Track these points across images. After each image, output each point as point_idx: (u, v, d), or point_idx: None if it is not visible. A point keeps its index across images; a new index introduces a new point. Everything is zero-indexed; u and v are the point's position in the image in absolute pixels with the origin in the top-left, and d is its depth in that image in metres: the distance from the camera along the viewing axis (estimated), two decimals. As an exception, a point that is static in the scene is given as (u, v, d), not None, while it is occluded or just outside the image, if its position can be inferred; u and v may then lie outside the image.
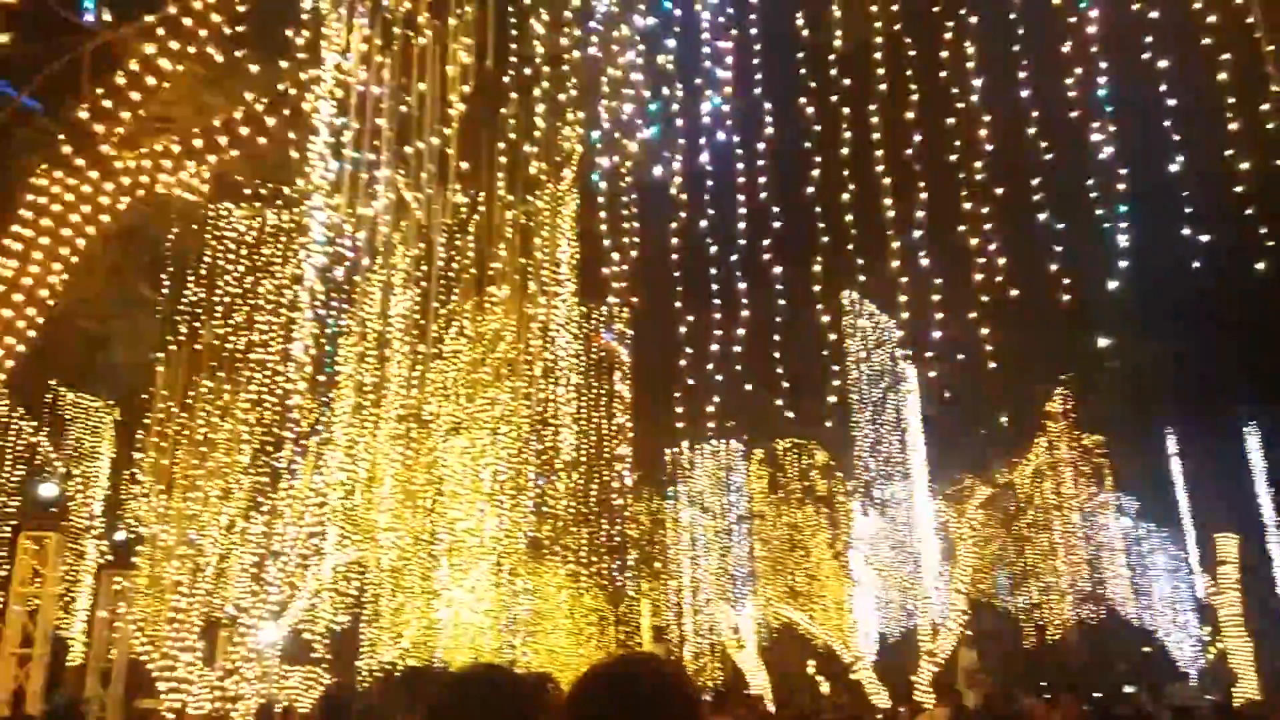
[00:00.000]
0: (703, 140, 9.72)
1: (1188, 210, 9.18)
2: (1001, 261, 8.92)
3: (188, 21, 7.56)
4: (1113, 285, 9.61)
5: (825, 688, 25.42)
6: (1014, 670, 25.04)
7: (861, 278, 10.22)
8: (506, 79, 9.73)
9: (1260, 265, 9.00)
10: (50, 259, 7.79)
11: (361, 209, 8.58)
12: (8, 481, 17.83)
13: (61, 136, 7.95)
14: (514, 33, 9.28)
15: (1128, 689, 19.84)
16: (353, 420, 14.33)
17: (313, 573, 15.79)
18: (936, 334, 9.37)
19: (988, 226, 8.89)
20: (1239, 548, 25.14)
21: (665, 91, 9.14)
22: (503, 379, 15.58)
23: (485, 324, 14.86)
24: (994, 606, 24.93)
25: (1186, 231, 8.98)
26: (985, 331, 9.20)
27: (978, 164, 8.82)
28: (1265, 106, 8.14)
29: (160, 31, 7.64)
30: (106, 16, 7.55)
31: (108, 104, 7.92)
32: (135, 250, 12.02)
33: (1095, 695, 18.79)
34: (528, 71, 9.36)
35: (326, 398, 13.98)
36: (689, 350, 12.16)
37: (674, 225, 10.71)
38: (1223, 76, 8.25)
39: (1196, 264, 9.51)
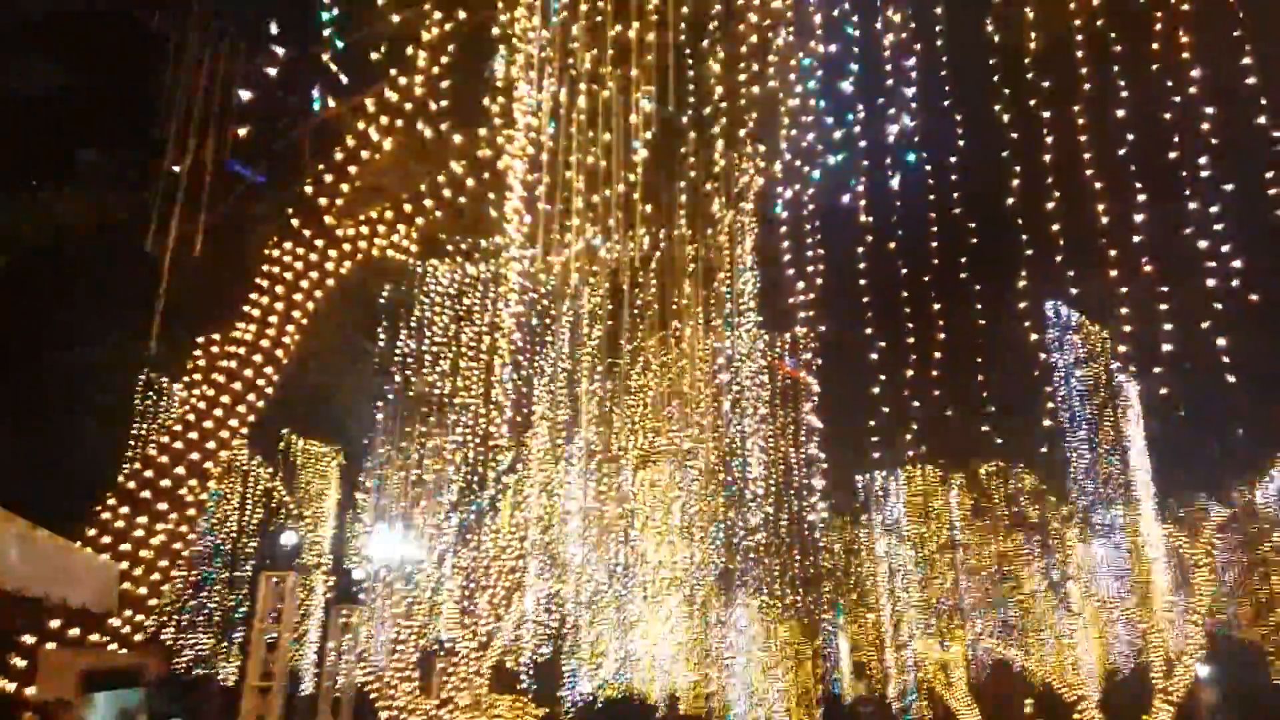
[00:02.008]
0: (889, 160, 9.46)
1: None
2: (1237, 264, 8.09)
3: (398, 99, 8.15)
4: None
5: (1045, 728, 23.64)
6: (1261, 708, 22.39)
7: (1074, 290, 9.56)
8: (685, 119, 9.86)
9: None
10: (284, 321, 8.54)
11: (553, 257, 8.90)
12: (249, 524, 19.59)
13: (289, 210, 8.74)
14: (691, 74, 9.40)
15: None
16: (548, 457, 14.82)
17: (516, 604, 16.37)
18: (1166, 346, 8.60)
19: (1219, 226, 8.10)
20: None
21: (850, 116, 8.96)
22: (689, 412, 15.67)
23: (671, 358, 15.03)
24: (1236, 638, 22.46)
25: None
26: (1222, 341, 8.35)
27: (1202, 160, 8.07)
28: None
29: (372, 109, 8.27)
30: (330, 101, 8.27)
31: (328, 178, 8.65)
32: (354, 307, 13.00)
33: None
34: (706, 111, 9.44)
35: (523, 437, 14.54)
36: (882, 376, 11.78)
37: (861, 249, 10.45)
38: None
39: None
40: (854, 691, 24.12)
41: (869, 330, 11.29)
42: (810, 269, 11.10)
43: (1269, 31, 8.09)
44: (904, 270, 10.62)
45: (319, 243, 8.60)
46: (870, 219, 10.02)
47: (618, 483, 16.78)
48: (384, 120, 8.30)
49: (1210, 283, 8.09)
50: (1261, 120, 8.19)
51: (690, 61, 9.56)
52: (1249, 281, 8.18)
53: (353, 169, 8.53)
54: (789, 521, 19.12)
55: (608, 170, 8.25)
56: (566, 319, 13.21)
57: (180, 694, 16.96)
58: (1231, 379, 8.36)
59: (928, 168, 9.74)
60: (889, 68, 8.84)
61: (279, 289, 8.59)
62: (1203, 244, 7.98)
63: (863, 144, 9.41)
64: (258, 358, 8.38)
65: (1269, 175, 8.31)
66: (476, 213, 9.48)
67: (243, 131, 8.57)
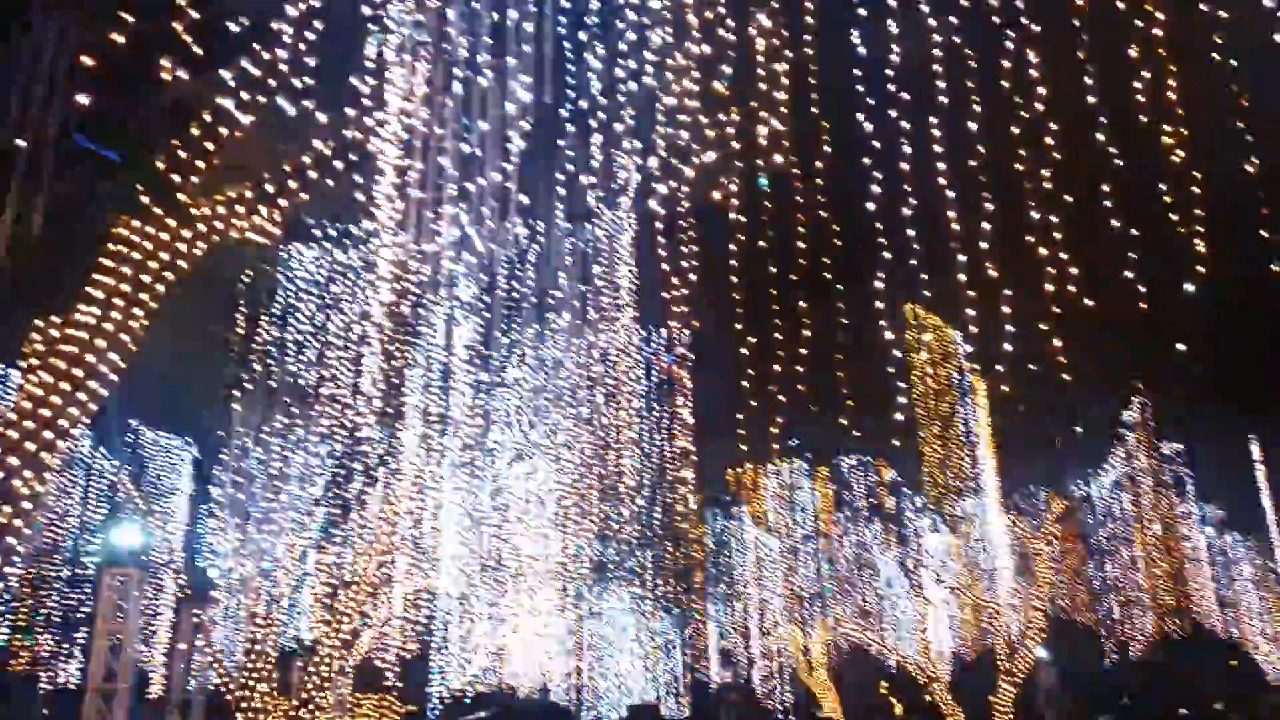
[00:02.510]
0: (760, 161, 9.69)
1: (1264, 212, 8.88)
2: (1074, 271, 8.70)
3: (259, 74, 7.79)
4: (1189, 288, 9.31)
5: (899, 709, 24.84)
6: (1097, 689, 24.22)
7: (926, 292, 10.05)
8: (564, 112, 9.84)
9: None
10: (131, 304, 8.04)
11: (426, 245, 8.72)
12: (91, 520, 18.43)
13: (140, 187, 8.22)
14: (571, 68, 9.39)
15: (1217, 705, 19.04)
16: (419, 450, 14.53)
17: (383, 601, 15.98)
18: (1007, 346, 9.16)
19: (1057, 236, 8.69)
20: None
21: (721, 116, 9.14)
22: (564, 405, 15.67)
23: (547, 351, 14.99)
24: (1074, 623, 24.18)
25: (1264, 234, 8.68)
26: (1058, 343, 8.96)
27: (1045, 173, 8.63)
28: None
29: (234, 84, 7.88)
30: (182, 73, 7.80)
31: (184, 155, 8.18)
32: (212, 292, 12.38)
33: (1182, 712, 18.06)
34: (584, 104, 9.44)
35: (393, 429, 14.20)
36: (751, 372, 12.09)
37: (733, 248, 10.68)
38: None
39: (1275, 267, 9.17)
40: (721, 679, 24.71)
41: (739, 327, 11.56)
42: (684, 265, 11.27)
43: (1108, 55, 8.73)
44: (773, 270, 10.92)
45: (171, 222, 8.13)
46: (743, 218, 10.25)
47: (492, 475, 16.63)
48: (244, 95, 7.92)
49: (1048, 288, 8.66)
50: (1100, 137, 8.83)
51: (570, 55, 9.55)
52: (1083, 289, 8.79)
53: (210, 146, 8.10)
54: (661, 514, 19.42)
55: (483, 159, 8.16)
56: (441, 309, 12.99)
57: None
58: (1067, 378, 8.96)
59: (796, 171, 10.04)
60: (761, 73, 9.07)
61: (126, 269, 8.08)
62: (1043, 252, 8.53)
63: (735, 145, 9.62)
64: (101, 342, 7.87)
65: (1105, 189, 8.96)
66: (345, 196, 9.17)
67: (85, 100, 8.00)
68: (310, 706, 14.83)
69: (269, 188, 8.91)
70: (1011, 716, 19.18)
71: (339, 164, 8.52)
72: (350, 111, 8.30)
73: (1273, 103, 8.39)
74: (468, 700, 19.95)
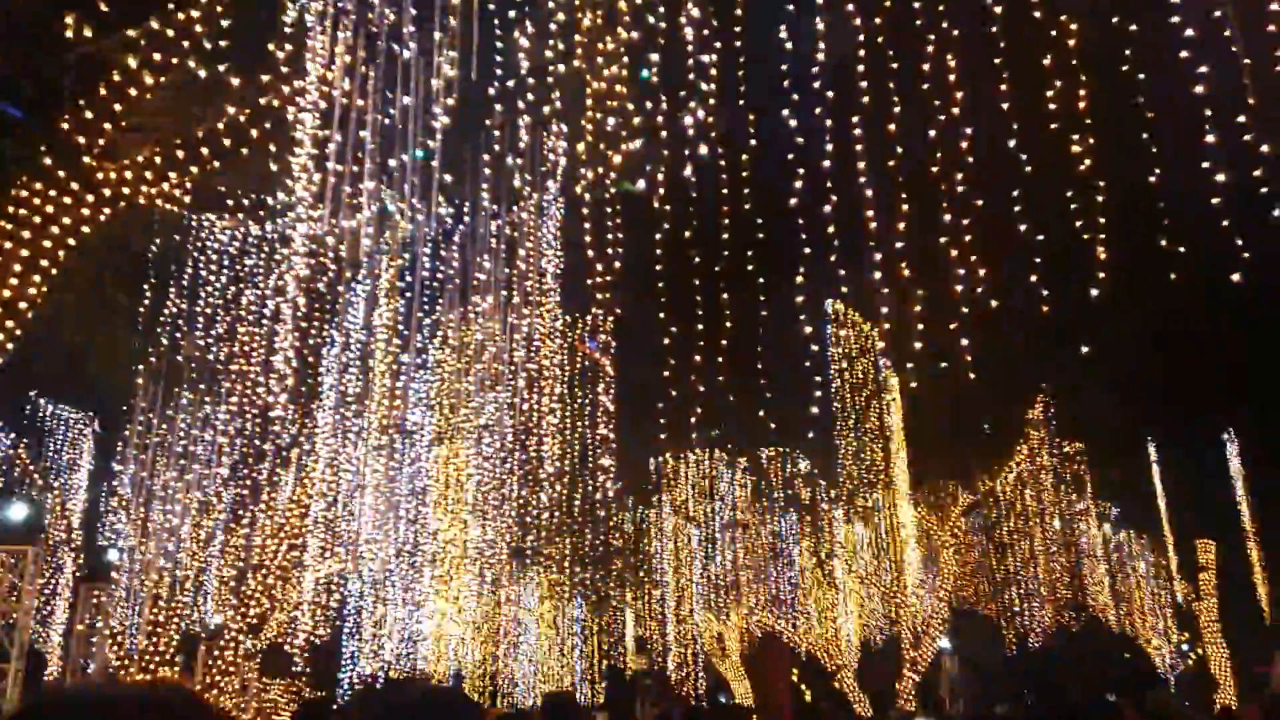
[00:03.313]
0: (687, 152, 9.76)
1: (1165, 222, 9.31)
2: (981, 272, 9.00)
3: (171, 34, 7.53)
4: (1094, 293, 9.71)
5: (808, 695, 25.43)
6: (995, 676, 25.16)
7: (844, 289, 10.28)
8: (491, 90, 9.73)
9: (1236, 277, 9.12)
10: (30, 271, 7.72)
11: (344, 221, 8.54)
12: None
13: (43, 148, 7.88)
14: (499, 44, 9.30)
15: (1110, 697, 19.95)
16: (335, 432, 14.25)
17: (293, 586, 15.67)
18: (918, 344, 9.44)
19: (968, 238, 8.97)
20: (1217, 554, 25.41)
21: (649, 105, 9.17)
22: (486, 389, 15.55)
23: (469, 334, 14.83)
24: (976, 614, 25.03)
25: (1164, 243, 9.11)
26: (965, 342, 9.27)
27: (959, 175, 8.90)
28: (1242, 119, 8.27)
29: (143, 44, 7.60)
30: (89, 31, 7.49)
31: (90, 115, 7.87)
32: (116, 262, 11.91)
33: (1077, 702, 18.84)
34: (511, 84, 9.36)
35: (308, 409, 13.90)
36: (672, 361, 12.20)
37: (658, 236, 10.75)
38: (1199, 90, 8.38)
39: (1174, 275, 9.64)
40: (636, 665, 24.92)
41: (661, 315, 11.64)
42: (610, 252, 11.28)
43: (1023, 63, 9.03)
44: (696, 260, 11.03)
45: (74, 186, 7.82)
46: (668, 207, 10.32)
47: (411, 458, 16.41)
48: (155, 56, 7.64)
49: (958, 288, 8.93)
50: (1011, 144, 9.14)
51: (499, 32, 9.45)
52: (991, 289, 9.10)
53: (118, 107, 7.80)
54: (581, 500, 19.43)
55: (404, 135, 8.02)
56: (361, 287, 12.73)
57: None
58: (973, 376, 9.27)
59: (723, 162, 10.14)
60: (690, 61, 9.12)
61: (25, 234, 7.75)
62: (954, 253, 8.80)
63: (663, 134, 9.66)
64: (-4, 309, 7.54)
65: (1014, 194, 9.29)
66: (260, 166, 8.93)
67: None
68: (214, 691, 14.48)
69: (179, 154, 8.63)
70: (914, 702, 19.80)
71: (254, 132, 8.30)
72: (266, 78, 8.08)
73: (1174, 117, 8.80)
74: (380, 685, 19.70)
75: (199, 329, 12.53)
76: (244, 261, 11.83)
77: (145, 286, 12.21)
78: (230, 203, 10.59)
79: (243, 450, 13.34)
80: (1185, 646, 28.23)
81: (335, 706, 15.08)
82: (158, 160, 8.30)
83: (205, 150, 8.45)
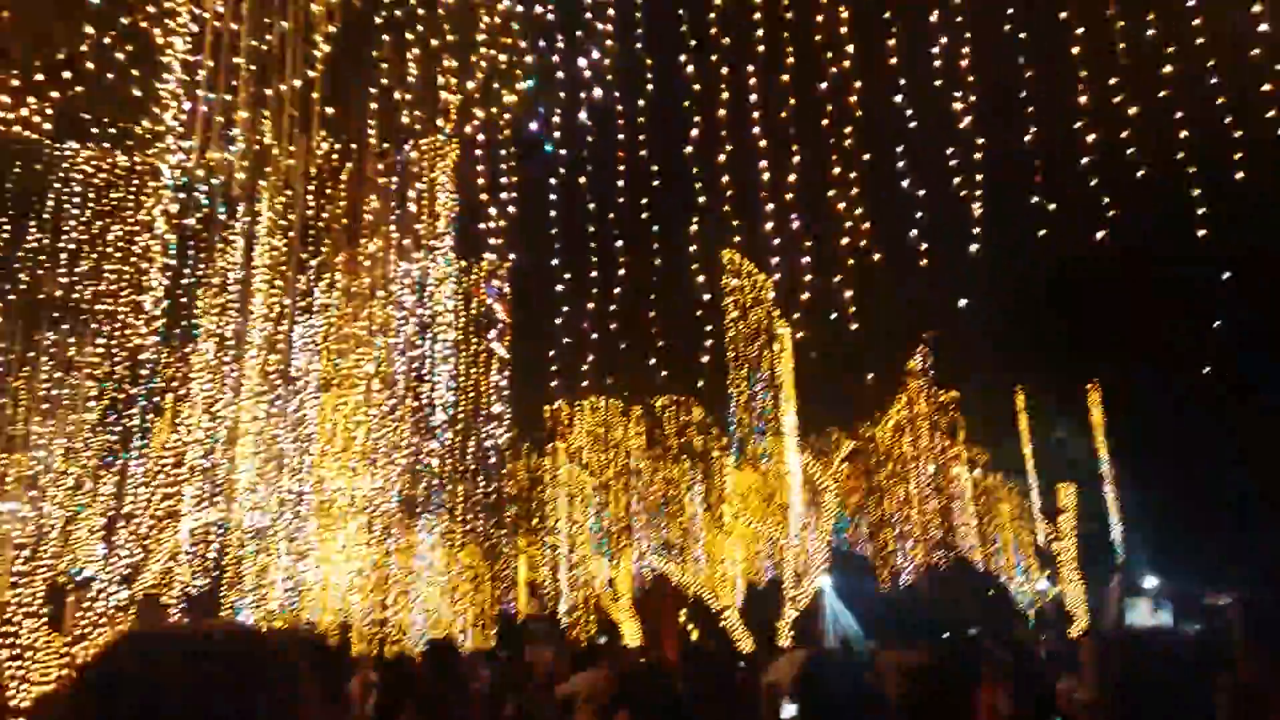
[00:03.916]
0: (582, 95, 9.63)
1: (1037, 180, 9.74)
2: (865, 226, 9.25)
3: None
4: (973, 248, 10.10)
5: (695, 635, 26.23)
6: (871, 614, 26.48)
7: (737, 238, 10.41)
8: (379, 19, 9.35)
9: (1100, 235, 9.64)
10: None
11: (216, 154, 8.12)
12: None
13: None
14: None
15: (972, 631, 21.32)
16: (212, 376, 13.70)
17: (168, 535, 15.13)
18: (805, 295, 9.67)
19: (854, 192, 9.19)
20: (1077, 497, 27.24)
21: (543, 43, 8.98)
22: (376, 335, 15.19)
23: (358, 278, 14.41)
24: (854, 554, 26.19)
25: (1035, 200, 9.54)
26: (848, 294, 9.55)
27: (848, 130, 9.07)
28: (1113, 81, 8.68)
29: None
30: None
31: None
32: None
33: (944, 636, 20.04)
34: (399, 13, 9.00)
35: (183, 352, 13.31)
36: (566, 309, 12.15)
37: (552, 181, 10.62)
38: (1075, 50, 8.73)
39: (1043, 231, 10.13)
40: (529, 610, 25.14)
41: (555, 262, 11.55)
42: (504, 196, 11.09)
43: (912, 20, 9.22)
44: (591, 206, 10.95)
45: (-87, 105, 7.18)
46: (562, 151, 10.19)
47: (295, 405, 15.95)
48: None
49: (844, 241, 9.18)
50: (898, 99, 9.36)
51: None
52: (874, 243, 9.38)
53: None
54: (474, 449, 19.31)
55: (284, 62, 7.63)
56: (237, 224, 12.16)
57: None
58: (855, 327, 9.58)
59: (619, 108, 10.04)
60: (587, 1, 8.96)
61: None
62: (841, 206, 9.01)
63: (558, 75, 9.50)
64: None
65: (899, 149, 9.54)
66: (126, 93, 8.37)
67: None
68: (84, 643, 13.93)
69: (38, 76, 8.02)
70: (792, 638, 20.68)
71: (119, 56, 7.75)
72: (130, -3, 7.55)
73: (1053, 78, 9.16)
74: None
75: (62, 266, 11.75)
76: (110, 194, 11.10)
77: (2, 219, 11.35)
78: (95, 130, 9.89)
79: (112, 395, 12.68)
80: (1046, 584, 30.24)
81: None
82: (14, 84, 7.69)
83: (67, 74, 7.87)
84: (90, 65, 8.07)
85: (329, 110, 8.94)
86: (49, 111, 8.14)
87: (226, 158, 7.88)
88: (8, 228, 11.64)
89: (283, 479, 16.18)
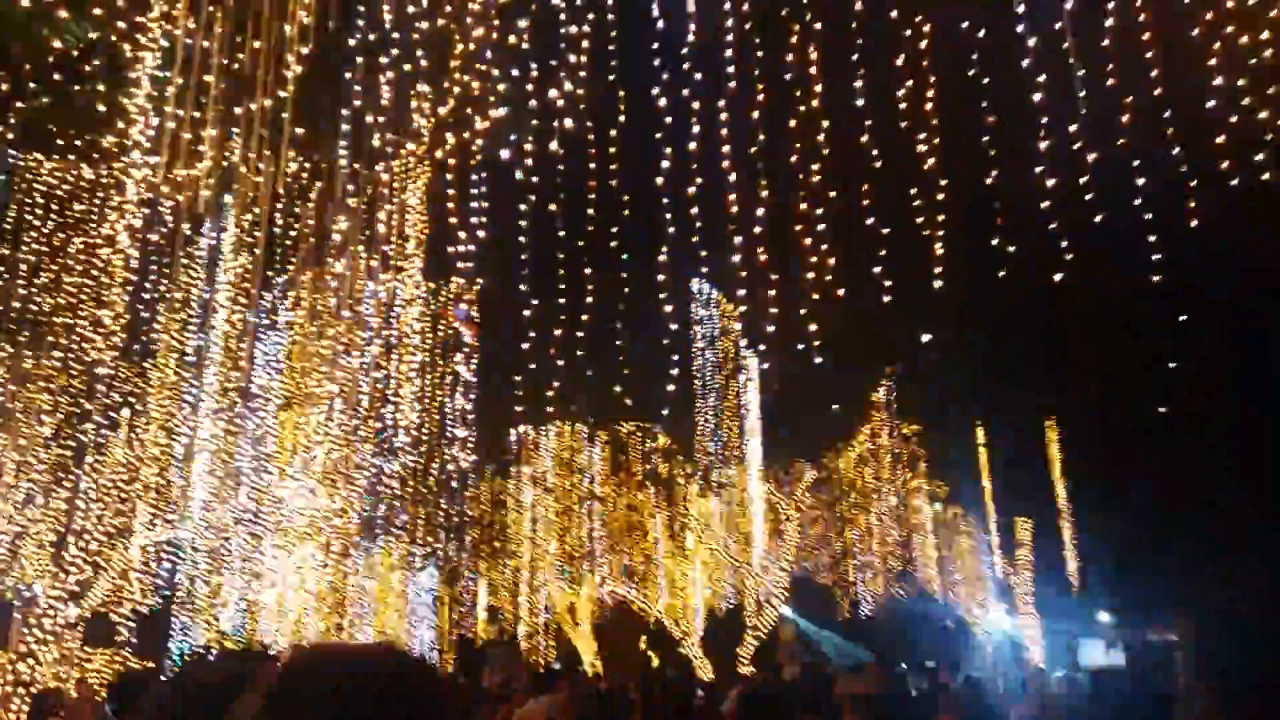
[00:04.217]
0: (555, 124, 9.69)
1: (999, 222, 9.96)
2: (831, 261, 9.38)
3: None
4: (937, 285, 10.26)
5: (655, 661, 26.09)
6: (830, 644, 26.53)
7: (705, 269, 10.51)
8: (352, 42, 9.36)
9: (1058, 276, 9.86)
10: None
11: (184, 170, 8.06)
12: None
13: None
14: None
15: (929, 663, 21.43)
16: (171, 393, 13.49)
17: (119, 552, 14.81)
18: (770, 327, 9.77)
19: (820, 227, 9.32)
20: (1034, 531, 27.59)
21: (516, 72, 9.05)
22: (340, 355, 15.06)
23: (323, 297, 14.30)
24: (815, 584, 26.24)
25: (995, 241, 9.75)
26: (814, 327, 9.65)
27: (815, 166, 9.21)
28: (1074, 128, 8.91)
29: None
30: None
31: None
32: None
33: (901, 667, 20.13)
34: (373, 37, 9.02)
35: (142, 367, 13.10)
36: (533, 334, 12.16)
37: (523, 207, 10.65)
38: (1037, 97, 8.96)
39: (1003, 272, 10.34)
40: (487, 634, 24.87)
41: (524, 289, 11.56)
42: (473, 220, 11.10)
43: (878, 61, 9.41)
44: (561, 233, 10.99)
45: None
46: (534, 179, 10.23)
47: (255, 423, 15.73)
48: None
49: (809, 276, 9.29)
50: (865, 139, 9.53)
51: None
52: (839, 278, 9.51)
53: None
54: (437, 471, 19.14)
55: (256, 81, 7.60)
56: (203, 240, 12.05)
57: None
58: (819, 360, 9.68)
59: (591, 137, 10.12)
60: (561, 31, 9.04)
61: None
62: (807, 241, 9.13)
63: (531, 104, 9.56)
64: None
65: (865, 188, 9.70)
66: (93, 106, 8.28)
67: None
68: (30, 660, 13.56)
69: (1, 87, 7.92)
70: (752, 667, 20.64)
71: (85, 68, 7.69)
72: (99, 11, 7.50)
73: (1013, 122, 9.39)
74: (212, 657, 18.86)
75: (21, 277, 11.54)
76: (73, 207, 10.92)
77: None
78: (60, 141, 9.75)
79: (67, 409, 12.44)
80: (1003, 616, 30.47)
81: (163, 679, 14.38)
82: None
83: (34, 85, 7.78)
84: (57, 76, 7.99)
85: (299, 131, 8.91)
86: (12, 120, 8.04)
87: (193, 174, 7.81)
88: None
89: (239, 497, 15.92)
